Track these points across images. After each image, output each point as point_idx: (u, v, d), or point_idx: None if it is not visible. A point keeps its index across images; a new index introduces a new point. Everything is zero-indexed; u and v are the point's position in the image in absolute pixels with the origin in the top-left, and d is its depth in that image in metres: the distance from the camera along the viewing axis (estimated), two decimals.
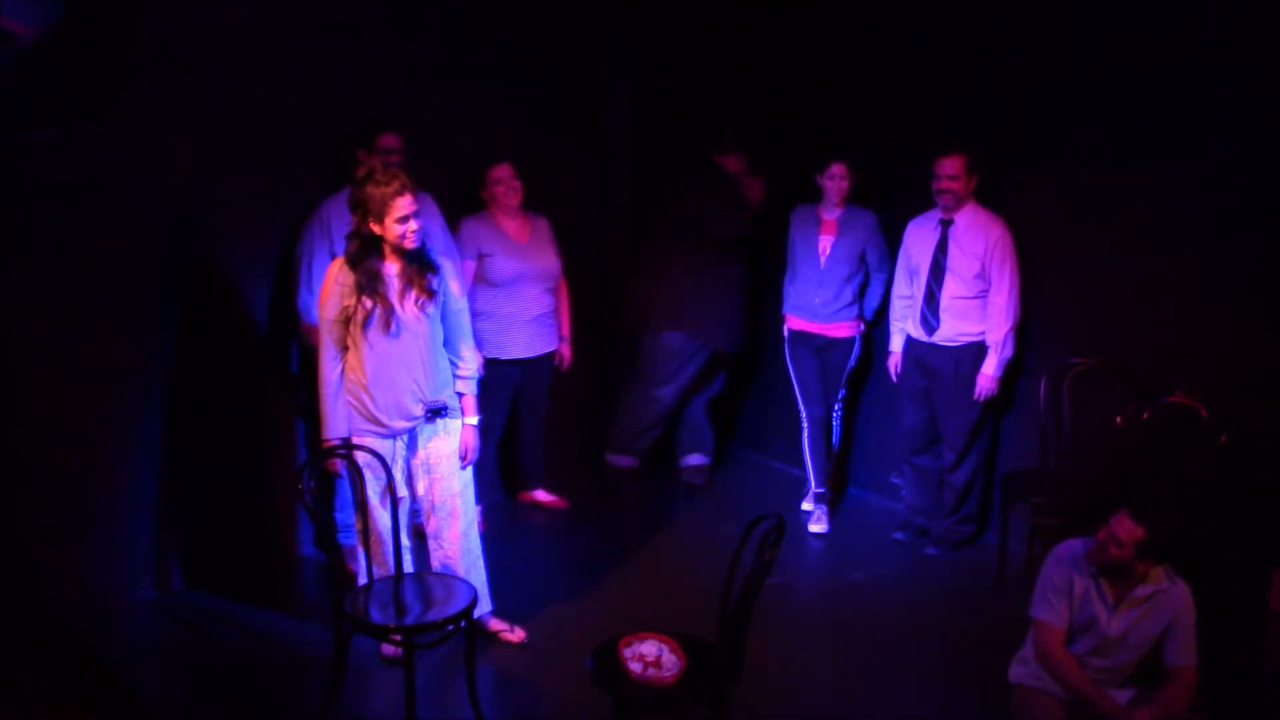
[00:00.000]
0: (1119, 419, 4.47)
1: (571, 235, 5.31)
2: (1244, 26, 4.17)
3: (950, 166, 4.75)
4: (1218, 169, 4.31)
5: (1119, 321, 4.67)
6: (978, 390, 4.85)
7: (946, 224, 4.86)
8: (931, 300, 4.90)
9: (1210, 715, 3.44)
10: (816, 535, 5.32)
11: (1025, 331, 4.88)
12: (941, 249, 4.86)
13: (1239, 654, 3.80)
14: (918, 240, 4.97)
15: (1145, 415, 4.35)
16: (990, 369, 4.83)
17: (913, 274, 4.99)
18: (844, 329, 5.33)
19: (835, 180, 5.13)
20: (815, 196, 5.27)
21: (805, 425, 5.43)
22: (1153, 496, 3.77)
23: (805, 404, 5.41)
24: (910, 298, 5.02)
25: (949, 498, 5.10)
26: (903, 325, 5.10)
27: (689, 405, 5.89)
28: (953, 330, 4.87)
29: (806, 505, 5.52)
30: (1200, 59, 4.30)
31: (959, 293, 4.83)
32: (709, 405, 5.94)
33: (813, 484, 5.47)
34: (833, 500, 5.52)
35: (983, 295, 4.82)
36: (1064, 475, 4.73)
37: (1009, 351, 4.83)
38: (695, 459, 5.92)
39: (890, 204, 5.24)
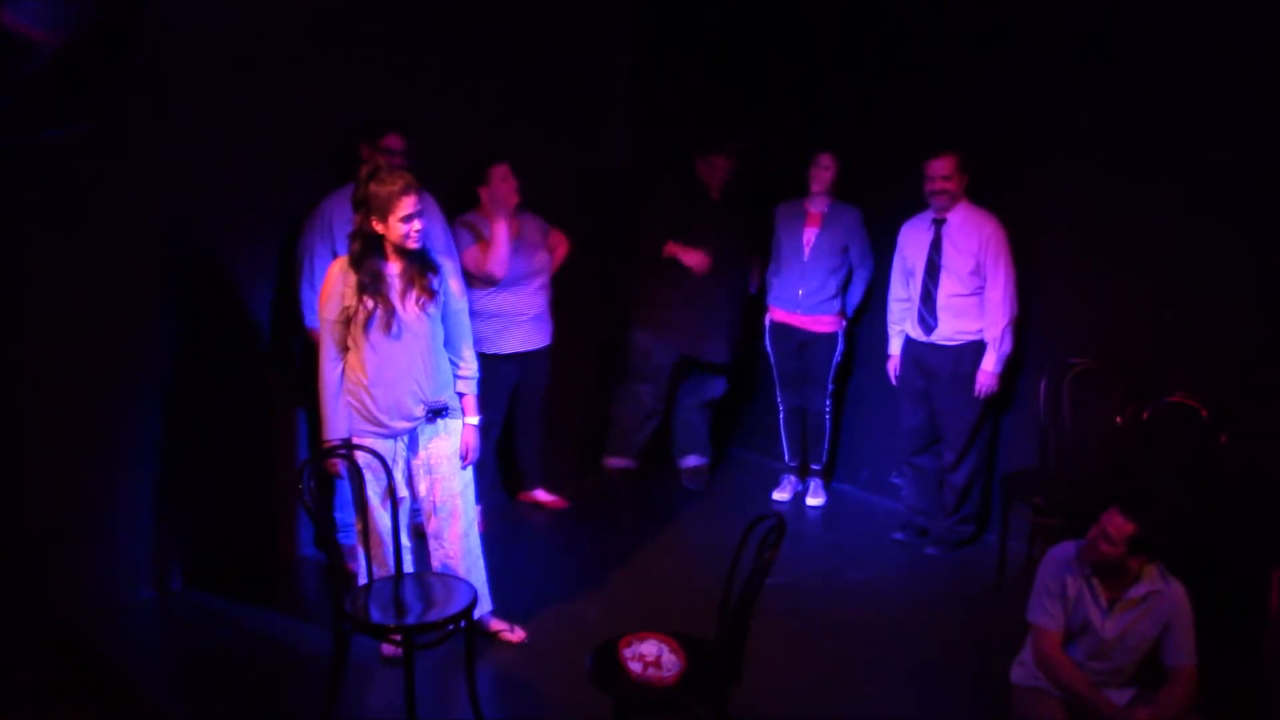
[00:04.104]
0: (1119, 419, 4.47)
1: (569, 233, 5.30)
2: (1245, 24, 4.18)
3: (942, 167, 4.76)
4: (1217, 168, 4.31)
5: (1119, 321, 4.67)
6: (978, 387, 4.86)
7: (939, 223, 4.87)
8: (928, 300, 4.90)
9: (1210, 715, 3.45)
10: (777, 502, 5.71)
11: (1025, 331, 4.88)
12: (936, 248, 4.87)
13: (1239, 654, 3.80)
14: (912, 241, 4.98)
15: (1145, 415, 4.35)
16: (990, 365, 4.83)
17: (908, 275, 5.00)
18: (826, 323, 5.39)
19: (821, 169, 5.28)
20: (801, 194, 5.39)
21: (781, 411, 5.72)
22: (1143, 492, 3.76)
23: (782, 394, 5.68)
24: (907, 300, 5.03)
25: (949, 498, 5.10)
26: (900, 328, 5.11)
27: (679, 407, 5.88)
28: (951, 329, 4.88)
29: (781, 494, 5.75)
30: (1201, 57, 4.30)
31: (955, 290, 4.84)
32: (703, 407, 5.91)
33: (786, 458, 5.77)
34: (825, 481, 5.80)
35: (979, 292, 4.83)
36: (1064, 475, 4.73)
37: (1008, 347, 4.83)
38: (692, 460, 5.92)
39: (887, 205, 5.24)
